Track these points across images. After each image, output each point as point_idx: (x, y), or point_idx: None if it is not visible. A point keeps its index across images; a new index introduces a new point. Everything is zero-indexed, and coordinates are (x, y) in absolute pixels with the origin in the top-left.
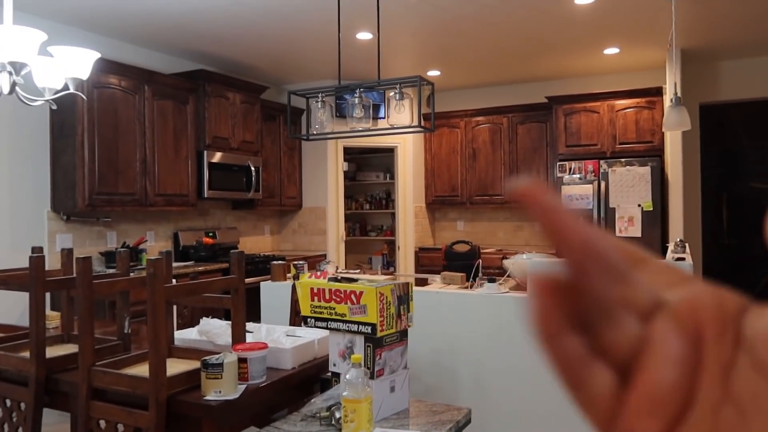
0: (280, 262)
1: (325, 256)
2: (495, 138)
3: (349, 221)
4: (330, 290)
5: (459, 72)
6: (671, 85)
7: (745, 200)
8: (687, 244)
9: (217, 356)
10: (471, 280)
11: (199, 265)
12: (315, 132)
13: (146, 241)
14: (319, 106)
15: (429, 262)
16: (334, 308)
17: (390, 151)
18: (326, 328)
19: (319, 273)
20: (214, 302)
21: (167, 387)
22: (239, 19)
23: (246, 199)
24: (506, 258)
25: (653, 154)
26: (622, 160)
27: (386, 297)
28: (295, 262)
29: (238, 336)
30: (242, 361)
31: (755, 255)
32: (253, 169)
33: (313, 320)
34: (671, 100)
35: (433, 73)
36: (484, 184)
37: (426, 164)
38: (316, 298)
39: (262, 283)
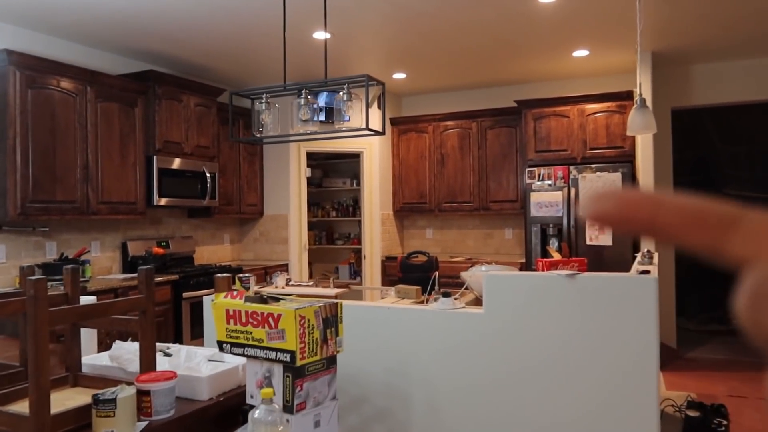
0: (224, 274)
1: (287, 265)
2: (464, 143)
3: (315, 229)
4: (246, 312)
5: (426, 75)
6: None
7: None
8: (655, 254)
9: (112, 389)
10: (428, 293)
11: None
12: (259, 135)
13: (88, 251)
14: (264, 107)
15: (396, 271)
16: (251, 333)
17: (356, 157)
18: (242, 354)
19: (235, 292)
20: (121, 325)
21: (51, 426)
22: (190, 16)
23: (201, 206)
24: (475, 266)
25: (624, 160)
26: (593, 165)
27: (308, 320)
28: (240, 275)
29: (147, 363)
30: (145, 393)
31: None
32: (208, 175)
33: (228, 346)
34: (636, 102)
35: (399, 76)
36: (453, 191)
37: (394, 170)
38: (232, 320)
39: (205, 298)
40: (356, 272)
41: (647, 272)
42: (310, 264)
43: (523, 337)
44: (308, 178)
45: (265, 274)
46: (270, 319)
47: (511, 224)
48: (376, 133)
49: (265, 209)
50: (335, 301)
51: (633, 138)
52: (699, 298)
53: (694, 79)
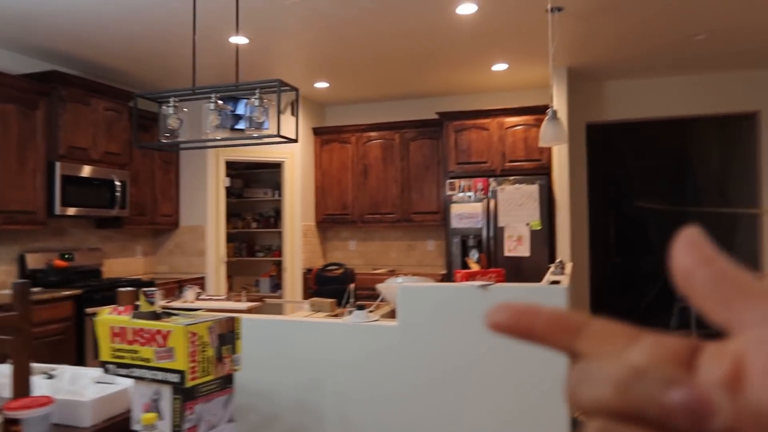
0: (127, 288)
1: (203, 279)
2: (387, 154)
3: (235, 241)
4: (133, 329)
5: (349, 85)
6: (555, 98)
7: (631, 219)
8: (568, 264)
9: None
10: (343, 306)
11: (47, 291)
12: (165, 140)
13: None
14: (171, 111)
15: (312, 284)
16: (137, 352)
17: (278, 167)
18: (128, 376)
19: (122, 308)
20: None
21: None
22: (97, 15)
23: (111, 216)
24: (391, 278)
25: (541, 172)
26: (511, 178)
27: (200, 337)
28: (145, 289)
29: (20, 388)
30: (14, 422)
31: (642, 272)
32: (118, 183)
33: (113, 366)
34: (548, 114)
35: (321, 85)
36: (376, 202)
37: (316, 181)
38: (117, 338)
39: None
40: (277, 285)
41: (558, 282)
42: (229, 277)
43: (437, 349)
44: (228, 188)
45: (179, 288)
46: (158, 337)
47: (434, 236)
48: (289, 140)
49: (181, 220)
50: (233, 316)
51: (550, 151)
52: (612, 307)
53: (607, 96)
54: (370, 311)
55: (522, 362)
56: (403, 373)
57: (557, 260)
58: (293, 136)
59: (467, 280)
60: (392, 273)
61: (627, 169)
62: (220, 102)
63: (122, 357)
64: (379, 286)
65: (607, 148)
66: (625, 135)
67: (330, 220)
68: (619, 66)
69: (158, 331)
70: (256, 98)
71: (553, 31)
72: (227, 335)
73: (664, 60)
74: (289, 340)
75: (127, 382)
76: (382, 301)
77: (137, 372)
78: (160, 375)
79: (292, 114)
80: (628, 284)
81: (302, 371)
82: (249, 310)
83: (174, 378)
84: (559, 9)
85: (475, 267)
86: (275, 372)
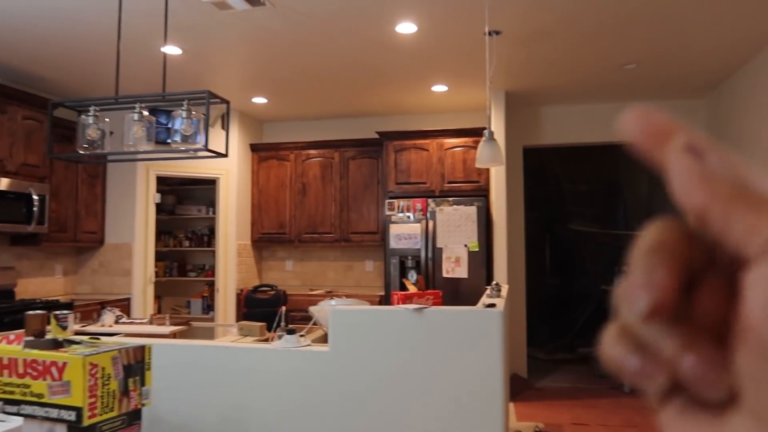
0: (37, 311)
1: (129, 300)
2: (326, 173)
3: (166, 260)
4: (24, 361)
5: (288, 101)
6: (493, 121)
7: (566, 241)
8: (504, 287)
9: None
10: (273, 330)
11: None
12: (83, 152)
13: None
14: (91, 121)
15: (241, 306)
16: (29, 386)
17: (212, 183)
18: (18, 414)
19: (13, 336)
20: None
21: None
22: (16, 18)
23: (27, 233)
24: (324, 300)
25: (480, 194)
26: (450, 199)
27: (102, 369)
28: (57, 312)
29: None
30: None
31: (576, 293)
32: (36, 197)
33: (1, 403)
34: (485, 135)
35: (259, 101)
36: (314, 222)
37: (253, 198)
38: (6, 371)
39: None
40: (209, 307)
41: (493, 305)
42: (158, 298)
43: (370, 375)
44: (158, 205)
45: (102, 310)
46: (53, 369)
47: (372, 256)
48: (219, 155)
49: (106, 237)
50: (143, 344)
51: (488, 173)
52: (549, 327)
53: (543, 120)
54: (301, 335)
55: (457, 385)
56: (334, 400)
57: (493, 282)
58: (223, 151)
59: (404, 301)
60: (329, 294)
61: (562, 193)
62: (146, 113)
63: (11, 392)
64: (312, 309)
65: (544, 171)
66: (561, 159)
67: (266, 239)
68: (554, 92)
69: (53, 363)
70: (183, 110)
71: (491, 55)
72: (135, 366)
73: (597, 87)
74: (213, 368)
75: (17, 421)
76: (314, 324)
77: (28, 409)
78: (54, 412)
79: (223, 128)
80: (563, 305)
81: (227, 400)
82: (173, 335)
83: (69, 416)
84: (497, 33)
85: (412, 288)
86: (198, 402)
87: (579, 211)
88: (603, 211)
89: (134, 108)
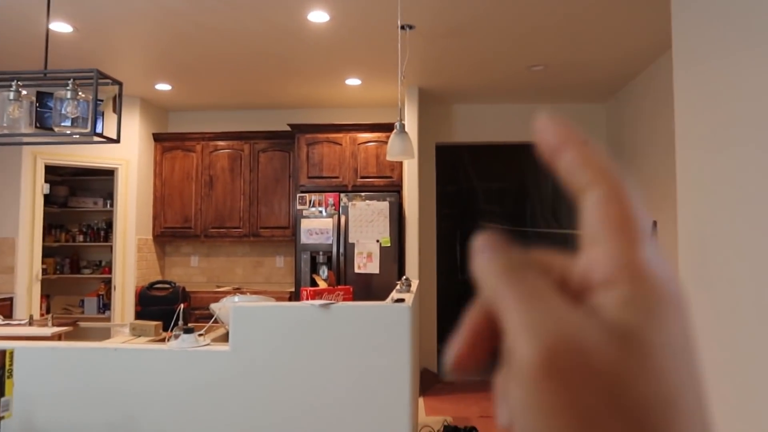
0: None
1: (11, 299)
2: (235, 165)
3: (56, 256)
4: None
5: (194, 89)
6: (406, 117)
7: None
8: (414, 282)
9: None
10: (171, 329)
11: None
12: None
13: None
14: None
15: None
16: None
17: (110, 174)
18: None
19: None
20: None
21: None
22: None
23: None
24: (227, 297)
25: (392, 190)
26: (363, 194)
27: None
28: None
29: None
30: None
31: None
32: None
33: None
34: (396, 127)
35: (162, 87)
36: (221, 216)
37: (155, 191)
38: None
39: None
40: (106, 306)
41: (402, 300)
42: (47, 297)
43: (274, 374)
44: (48, 196)
45: None
46: None
47: (283, 252)
48: (110, 140)
49: None
50: (2, 347)
51: (401, 168)
52: (458, 323)
53: (455, 118)
54: (200, 335)
55: (365, 381)
56: (234, 402)
57: (403, 277)
58: (114, 136)
59: (314, 297)
60: (238, 291)
61: (473, 191)
62: (25, 92)
63: None
64: (213, 306)
65: (456, 169)
66: (472, 157)
67: (170, 234)
68: (466, 90)
69: None
70: (69, 89)
71: (404, 49)
72: None
73: (507, 87)
74: (99, 372)
75: None
76: (215, 322)
77: None
78: None
79: (114, 111)
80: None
81: (115, 408)
82: (56, 337)
83: None
84: (411, 27)
85: (323, 284)
86: (82, 410)
87: (489, 209)
88: (512, 209)
89: (11, 86)
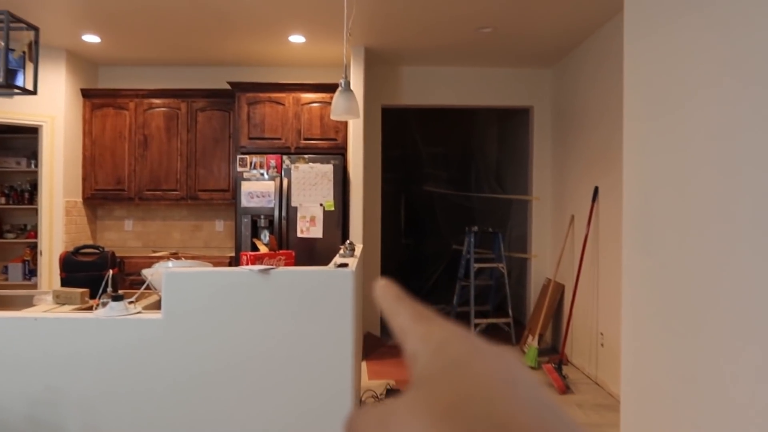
0: None
1: None
2: (171, 125)
3: None
4: None
5: (127, 43)
6: (352, 77)
7: (420, 202)
8: (358, 246)
9: None
10: (99, 297)
11: None
12: None
13: None
14: None
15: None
16: None
17: (34, 132)
18: None
19: None
20: None
21: None
22: None
23: None
24: (162, 261)
25: (337, 152)
26: (306, 156)
27: None
28: None
29: None
30: None
31: (428, 253)
32: None
33: None
34: (340, 85)
35: (91, 39)
36: (156, 177)
37: (85, 150)
38: None
39: None
40: (32, 272)
41: (345, 265)
42: None
43: (210, 342)
44: None
45: None
46: None
47: (223, 215)
48: (25, 92)
49: None
50: None
51: (345, 131)
52: (404, 286)
53: (402, 80)
54: (131, 302)
55: (306, 347)
56: (166, 374)
57: (347, 241)
58: (31, 88)
59: (254, 263)
60: (175, 256)
61: (419, 155)
62: None
63: None
64: (145, 272)
65: (402, 132)
66: (419, 121)
67: (101, 197)
68: (414, 51)
69: None
70: None
71: (350, 4)
72: None
73: (455, 49)
74: (17, 343)
75: None
76: (147, 289)
77: None
78: None
79: (31, 60)
80: (417, 264)
81: (35, 380)
82: None
83: None
84: None
85: (264, 249)
86: (2, 386)
87: (434, 173)
88: (457, 173)
89: None
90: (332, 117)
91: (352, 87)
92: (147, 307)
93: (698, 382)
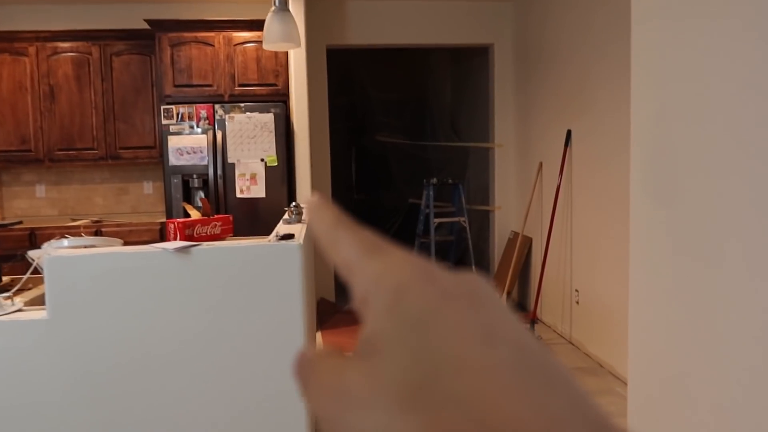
0: None
1: None
2: (82, 73)
3: None
4: None
5: None
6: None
7: (372, 154)
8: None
9: None
10: None
11: None
12: None
13: None
14: None
15: None
16: None
17: None
18: None
19: None
20: None
21: None
22: None
23: None
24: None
25: (278, 100)
26: (242, 105)
27: None
28: None
29: None
30: None
31: (384, 208)
32: None
33: None
34: (274, 4)
35: None
36: (69, 135)
37: None
38: None
39: None
40: None
41: (290, 236)
42: None
43: (109, 347)
44: None
45: None
46: None
47: (151, 176)
48: None
49: None
50: None
51: (286, 75)
52: None
53: (349, 16)
54: (7, 297)
55: (250, 341)
56: (51, 389)
57: (292, 204)
58: None
59: (183, 231)
60: (97, 225)
61: (369, 102)
62: None
63: None
64: (31, 254)
65: (350, 78)
66: (368, 64)
67: (4, 159)
68: None
69: None
70: None
71: None
72: None
73: None
74: None
75: None
76: (36, 273)
77: None
78: None
79: None
80: (372, 220)
81: None
82: None
83: None
84: None
85: (195, 214)
86: None
87: (386, 122)
88: (411, 121)
89: None
90: (265, 46)
91: (292, 15)
92: (32, 302)
93: (722, 353)
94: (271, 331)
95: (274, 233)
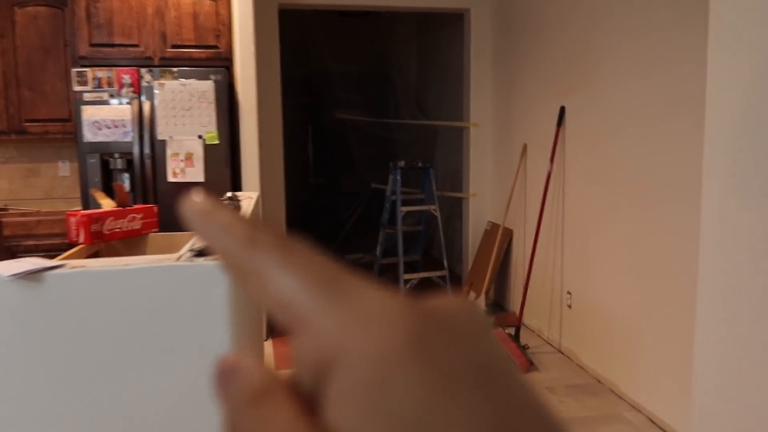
0: None
1: None
2: None
3: None
4: None
5: None
6: None
7: (331, 133)
8: (250, 199)
9: None
10: None
11: None
12: None
13: None
14: None
15: None
16: None
17: None
18: None
19: None
20: None
21: None
22: None
23: None
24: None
25: (219, 65)
26: (175, 70)
27: None
28: None
29: None
30: None
31: (343, 194)
32: None
33: None
34: None
35: None
36: None
37: None
38: None
39: None
40: None
41: (204, 253)
42: None
43: None
44: None
45: None
46: None
47: (67, 155)
48: None
49: None
50: None
51: (230, 35)
52: (314, 234)
53: None
54: None
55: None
56: None
57: (227, 194)
58: None
59: (88, 227)
60: (4, 213)
61: (327, 75)
62: None
63: None
64: None
65: (305, 48)
66: (326, 32)
67: None
68: None
69: None
70: None
71: None
72: None
73: None
74: None
75: None
76: None
77: None
78: None
79: None
80: (330, 207)
81: None
82: None
83: None
84: None
85: (107, 204)
86: None
87: (347, 98)
88: (373, 98)
89: None
90: None
91: None
92: None
93: None
94: (184, 391)
95: (187, 246)
